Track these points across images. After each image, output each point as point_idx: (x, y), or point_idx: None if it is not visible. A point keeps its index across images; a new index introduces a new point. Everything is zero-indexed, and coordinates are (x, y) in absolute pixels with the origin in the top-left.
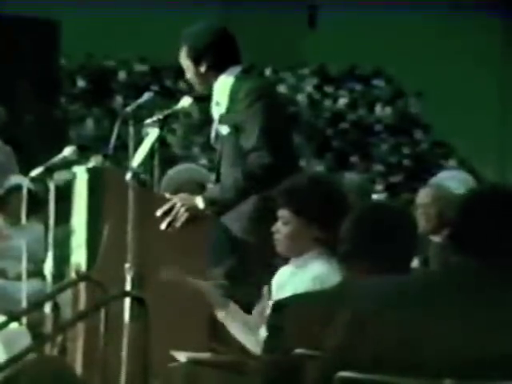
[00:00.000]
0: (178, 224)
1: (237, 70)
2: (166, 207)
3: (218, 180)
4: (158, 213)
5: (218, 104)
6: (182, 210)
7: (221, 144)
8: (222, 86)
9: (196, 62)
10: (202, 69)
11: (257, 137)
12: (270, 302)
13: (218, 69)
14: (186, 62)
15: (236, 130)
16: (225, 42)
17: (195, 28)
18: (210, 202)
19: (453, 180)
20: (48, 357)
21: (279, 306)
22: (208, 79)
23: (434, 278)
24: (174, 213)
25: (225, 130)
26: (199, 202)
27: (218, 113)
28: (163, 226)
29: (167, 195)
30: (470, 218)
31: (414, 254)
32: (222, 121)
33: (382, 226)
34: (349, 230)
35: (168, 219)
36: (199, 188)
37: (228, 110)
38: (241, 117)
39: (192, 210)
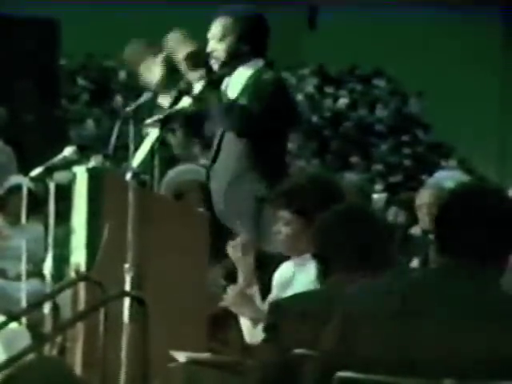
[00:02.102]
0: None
1: (259, 63)
2: None
3: (214, 159)
4: None
5: (227, 86)
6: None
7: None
8: (241, 73)
9: (241, 37)
10: (244, 47)
11: (257, 101)
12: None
13: (254, 53)
14: (225, 34)
15: None
16: (267, 30)
17: (244, 6)
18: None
19: (453, 180)
20: (48, 357)
21: (276, 306)
22: (241, 60)
23: (423, 278)
24: None
25: None
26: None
27: (226, 92)
28: None
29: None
30: (447, 218)
31: (393, 251)
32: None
33: (359, 229)
34: (325, 235)
35: None
36: (200, 188)
37: (239, 97)
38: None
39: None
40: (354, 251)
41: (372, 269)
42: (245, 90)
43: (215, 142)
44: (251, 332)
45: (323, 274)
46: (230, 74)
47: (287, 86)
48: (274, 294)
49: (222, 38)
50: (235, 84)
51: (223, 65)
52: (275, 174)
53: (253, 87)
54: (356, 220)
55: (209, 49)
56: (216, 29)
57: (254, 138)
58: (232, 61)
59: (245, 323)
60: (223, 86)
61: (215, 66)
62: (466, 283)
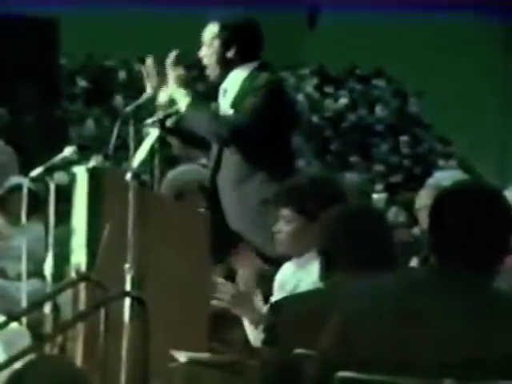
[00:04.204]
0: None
1: (254, 65)
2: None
3: (216, 168)
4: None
5: (225, 92)
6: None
7: None
8: (236, 76)
9: (226, 44)
10: (230, 53)
11: (248, 110)
12: None
13: (242, 58)
14: (212, 40)
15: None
16: (256, 33)
17: (229, 10)
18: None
19: (452, 181)
20: (52, 356)
21: (276, 306)
22: (229, 66)
23: (422, 278)
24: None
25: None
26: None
27: (223, 100)
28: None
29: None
30: (438, 218)
31: (394, 252)
32: (232, 108)
33: (362, 229)
34: (329, 234)
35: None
36: (200, 189)
37: (236, 101)
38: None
39: None
40: (358, 251)
41: (375, 269)
42: (240, 93)
43: (215, 150)
44: (254, 333)
45: (326, 271)
46: (221, 80)
47: (282, 87)
48: (275, 296)
49: (208, 46)
50: (231, 89)
51: (214, 70)
52: (282, 176)
53: (245, 94)
54: (360, 220)
55: (200, 54)
56: (205, 35)
57: (247, 147)
58: (220, 67)
59: (247, 324)
60: (220, 93)
61: (207, 71)
62: (464, 284)
